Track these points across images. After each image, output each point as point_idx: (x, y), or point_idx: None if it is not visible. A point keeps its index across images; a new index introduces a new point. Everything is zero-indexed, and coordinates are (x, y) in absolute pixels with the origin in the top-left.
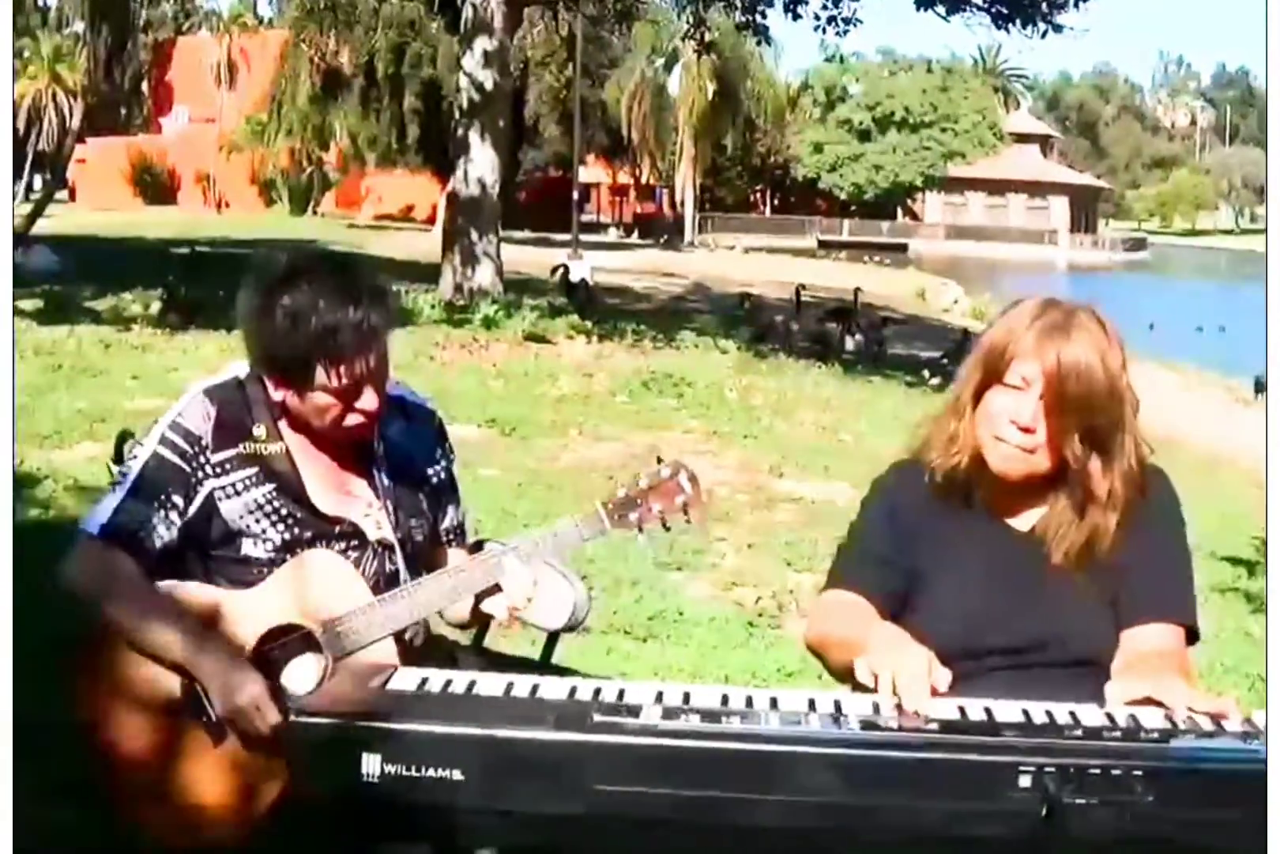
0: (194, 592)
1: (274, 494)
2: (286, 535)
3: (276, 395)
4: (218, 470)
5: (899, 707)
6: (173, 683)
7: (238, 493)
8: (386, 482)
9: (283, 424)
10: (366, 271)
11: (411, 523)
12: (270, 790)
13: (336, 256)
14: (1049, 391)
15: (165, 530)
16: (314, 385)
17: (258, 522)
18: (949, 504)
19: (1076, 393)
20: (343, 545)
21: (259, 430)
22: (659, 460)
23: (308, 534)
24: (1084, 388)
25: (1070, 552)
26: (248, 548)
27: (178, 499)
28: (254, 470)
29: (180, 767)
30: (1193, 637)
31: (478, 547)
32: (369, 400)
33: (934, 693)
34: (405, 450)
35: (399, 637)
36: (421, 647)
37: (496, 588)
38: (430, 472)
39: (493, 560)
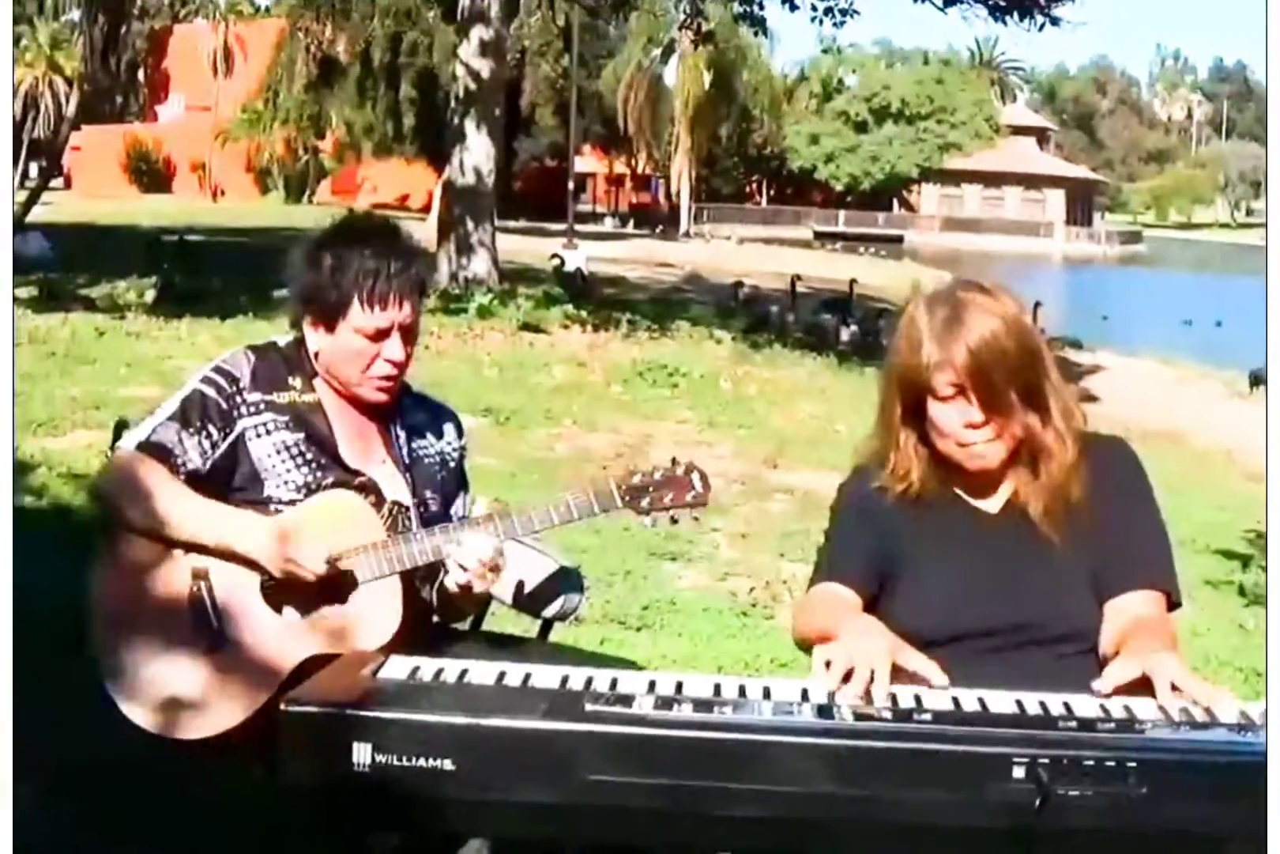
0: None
1: (303, 441)
2: (310, 478)
3: (313, 342)
4: (252, 409)
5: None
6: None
7: (268, 432)
8: (405, 457)
9: (317, 381)
10: (410, 237)
11: (427, 493)
12: (253, 702)
13: (384, 219)
14: (974, 381)
15: (198, 457)
16: (349, 324)
17: (284, 462)
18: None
19: (996, 366)
20: (361, 497)
21: (295, 382)
22: (674, 462)
23: (329, 480)
24: (999, 358)
25: (1042, 515)
26: (270, 489)
27: (213, 430)
28: (287, 417)
29: (179, 664)
30: (1173, 603)
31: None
32: (396, 349)
33: (921, 683)
34: (425, 434)
35: (406, 589)
36: (418, 628)
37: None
38: (447, 457)
39: (473, 529)
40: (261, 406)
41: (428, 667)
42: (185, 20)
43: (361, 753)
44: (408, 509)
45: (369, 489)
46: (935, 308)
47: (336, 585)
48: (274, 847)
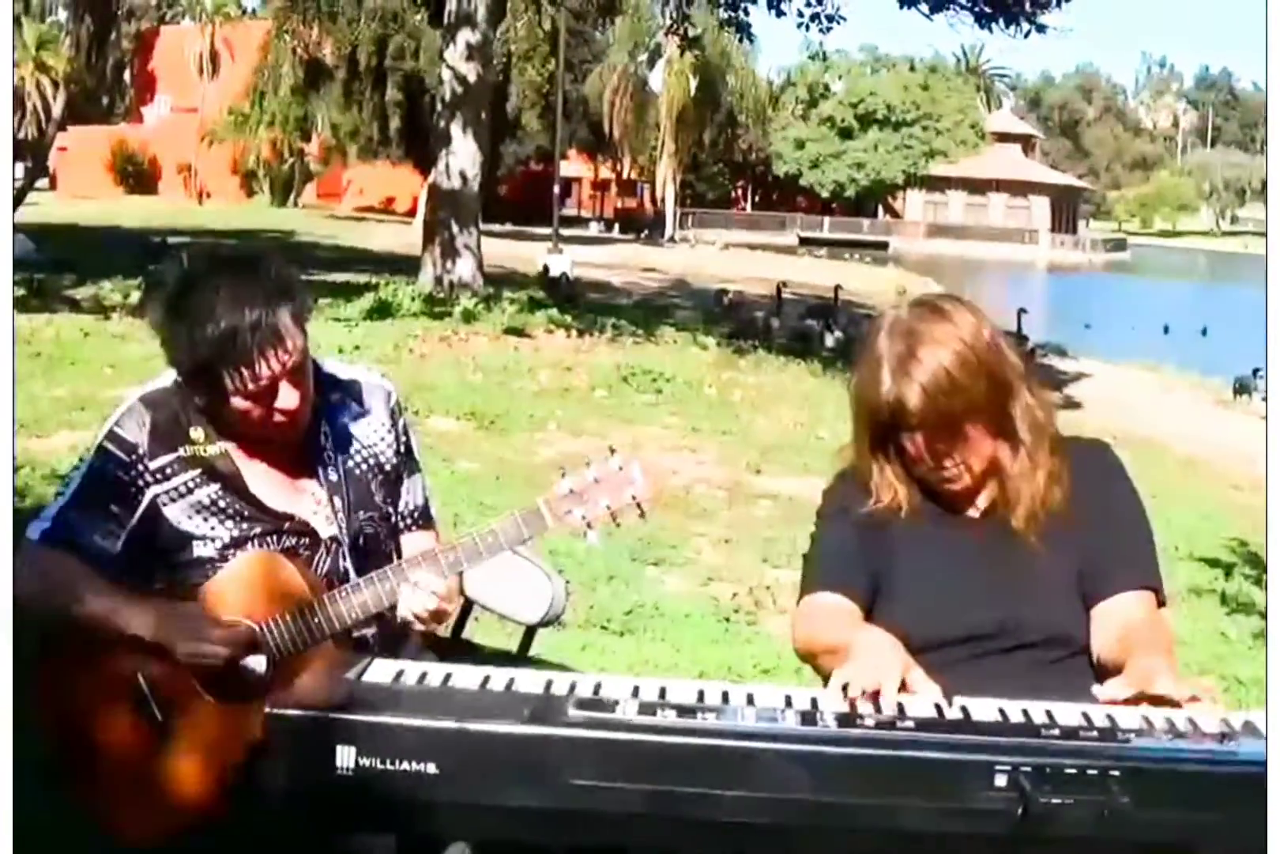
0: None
1: (220, 493)
2: (235, 532)
3: (198, 398)
4: (158, 476)
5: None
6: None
7: (181, 495)
8: (334, 476)
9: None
10: (268, 266)
11: (361, 515)
12: (213, 781)
13: (236, 253)
14: (930, 420)
15: (107, 541)
16: (228, 391)
17: (205, 520)
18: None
19: (952, 402)
20: (293, 541)
21: (196, 433)
22: (611, 451)
23: (257, 530)
24: (955, 393)
25: (1023, 521)
26: (199, 549)
27: (116, 509)
28: (196, 472)
29: (133, 757)
30: (1160, 603)
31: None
32: (288, 399)
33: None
34: (354, 436)
35: (346, 637)
36: (397, 638)
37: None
38: (384, 458)
39: (399, 574)
40: (168, 471)
41: (411, 670)
42: (172, 22)
43: (345, 756)
44: (344, 544)
45: (300, 532)
46: (893, 339)
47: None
48: (257, 851)
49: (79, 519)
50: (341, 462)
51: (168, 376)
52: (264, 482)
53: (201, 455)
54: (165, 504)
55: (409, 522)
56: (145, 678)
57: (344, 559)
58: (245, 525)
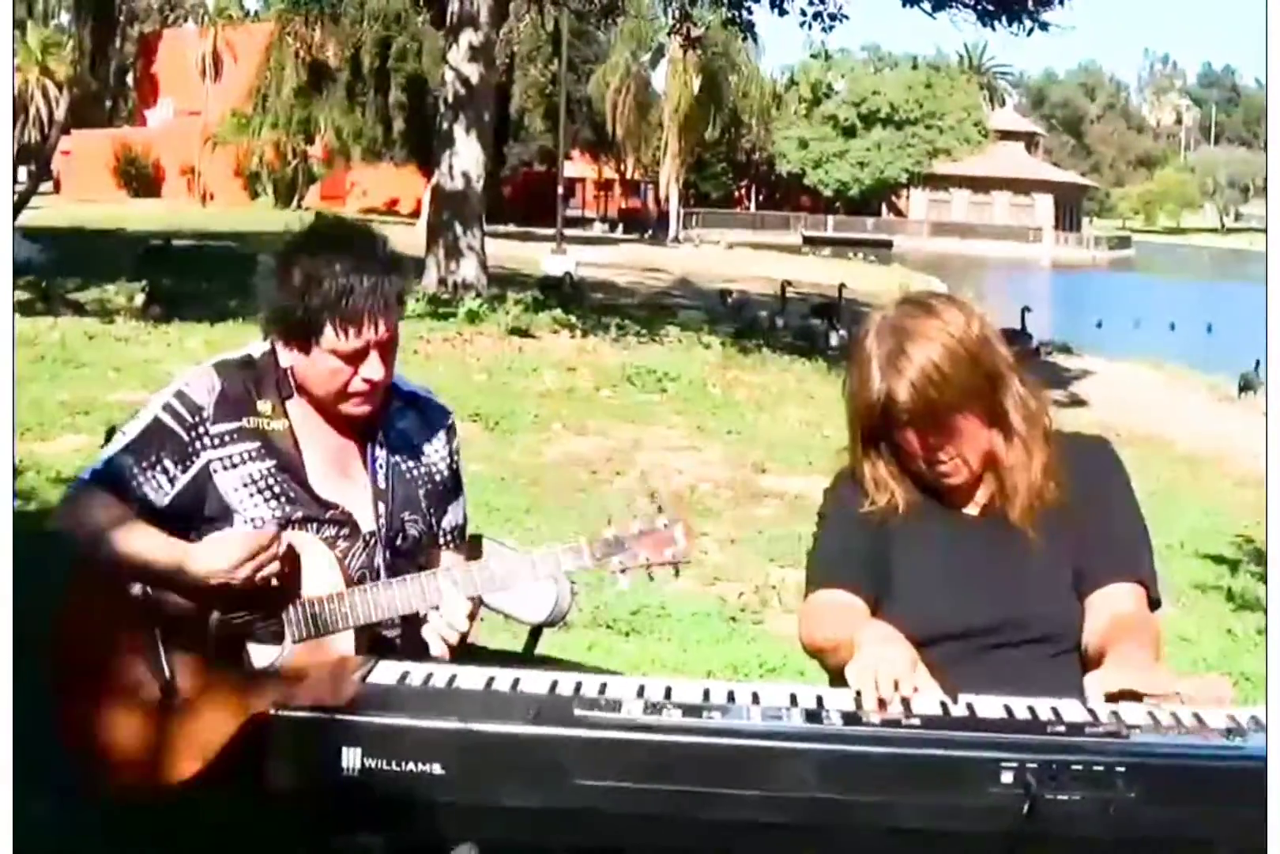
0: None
1: (272, 471)
2: (278, 513)
3: (285, 359)
4: (216, 441)
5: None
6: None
7: (235, 465)
8: (386, 474)
9: (290, 403)
10: (386, 244)
11: (405, 515)
12: (205, 748)
13: (358, 226)
14: (921, 415)
15: (153, 492)
16: (323, 346)
17: (251, 497)
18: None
19: (942, 397)
20: (333, 532)
21: (264, 406)
22: (659, 509)
23: (299, 515)
24: (945, 388)
25: (1020, 517)
26: (239, 523)
27: (170, 464)
28: (255, 445)
29: (133, 708)
30: (1153, 601)
31: (475, 542)
32: (374, 368)
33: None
34: (412, 444)
35: (366, 632)
36: (402, 640)
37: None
38: (435, 470)
39: (434, 583)
40: (226, 438)
41: (417, 671)
42: (174, 25)
43: (351, 757)
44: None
45: (342, 522)
46: (883, 337)
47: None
48: (263, 852)
49: (132, 466)
50: (395, 463)
51: (243, 350)
52: (318, 467)
53: (264, 429)
54: (217, 471)
55: (447, 539)
56: (162, 632)
57: (380, 556)
58: (289, 507)
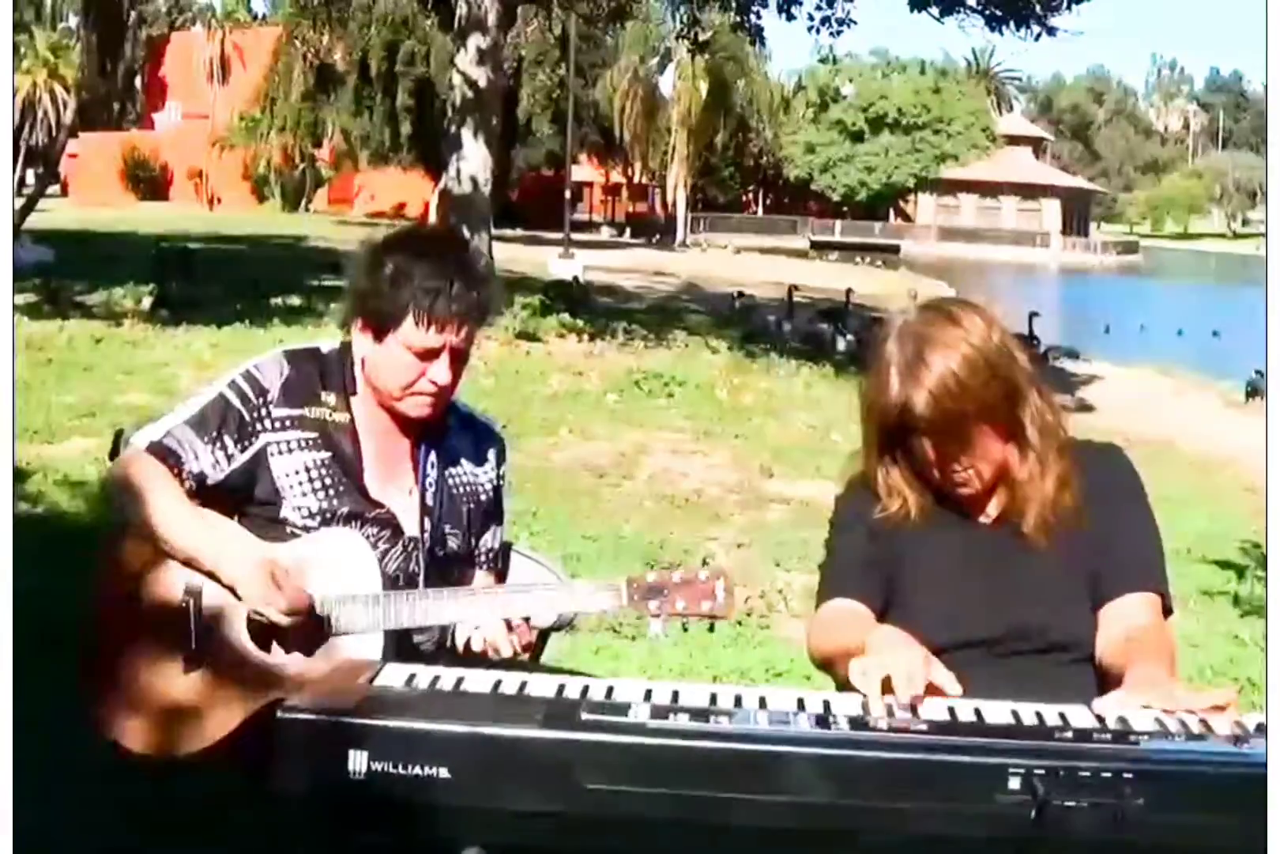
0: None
1: (327, 462)
2: (325, 505)
3: (360, 346)
4: (277, 425)
5: (889, 708)
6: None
7: (290, 451)
8: (434, 484)
9: (354, 399)
10: (480, 257)
11: (447, 528)
12: (226, 723)
13: (456, 237)
14: (938, 424)
15: (210, 467)
16: (399, 338)
17: (300, 485)
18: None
19: (960, 407)
20: (375, 531)
21: (329, 397)
22: (704, 563)
23: (345, 510)
24: (963, 397)
25: (1034, 526)
26: (285, 510)
27: (229, 441)
28: (314, 434)
29: (156, 680)
30: (1166, 607)
31: (504, 551)
32: (442, 371)
33: (936, 693)
34: (464, 460)
35: (398, 639)
36: (433, 647)
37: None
38: (481, 489)
39: (473, 599)
40: (288, 423)
41: (424, 674)
42: (182, 28)
43: (357, 760)
44: (420, 547)
45: (385, 523)
46: (903, 343)
47: (313, 632)
48: None
49: (192, 438)
50: (446, 475)
51: (317, 343)
52: (372, 466)
53: (325, 419)
54: (274, 455)
55: (483, 560)
56: (196, 605)
57: (416, 563)
58: (336, 501)
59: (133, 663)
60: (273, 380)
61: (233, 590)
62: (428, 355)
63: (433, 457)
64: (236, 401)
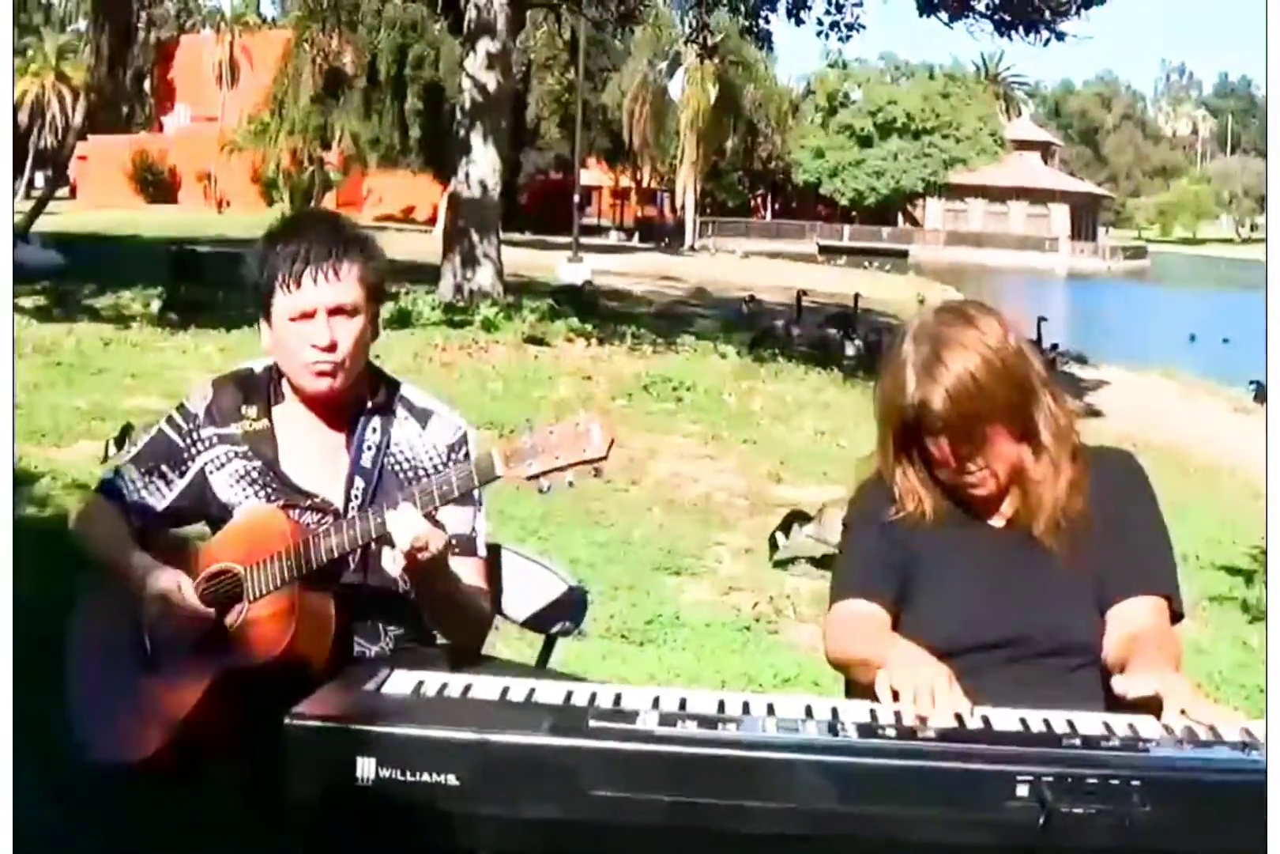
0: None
1: (259, 467)
2: (265, 503)
3: (265, 340)
4: (207, 444)
5: (921, 720)
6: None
7: (223, 464)
8: (370, 469)
9: (277, 408)
10: (350, 225)
11: (385, 503)
12: (178, 710)
13: (321, 212)
14: (955, 424)
15: (152, 498)
16: (279, 314)
17: (242, 491)
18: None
19: (976, 408)
20: (316, 518)
21: (249, 410)
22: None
23: (280, 503)
24: (979, 398)
25: (1045, 530)
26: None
27: (166, 470)
28: (241, 446)
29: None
30: (1175, 613)
31: (494, 552)
32: (320, 333)
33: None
34: (403, 447)
35: (318, 584)
36: (415, 652)
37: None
38: (423, 471)
39: (377, 516)
40: (215, 440)
41: (431, 681)
42: (191, 31)
43: (365, 768)
44: None
45: (322, 509)
46: (919, 343)
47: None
48: None
49: (134, 474)
50: (381, 453)
51: (247, 364)
52: (301, 459)
53: (248, 430)
54: (211, 472)
55: (454, 547)
56: (146, 617)
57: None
58: (273, 497)
59: (104, 674)
60: (200, 405)
61: (152, 602)
62: (304, 319)
63: (368, 436)
64: (171, 432)
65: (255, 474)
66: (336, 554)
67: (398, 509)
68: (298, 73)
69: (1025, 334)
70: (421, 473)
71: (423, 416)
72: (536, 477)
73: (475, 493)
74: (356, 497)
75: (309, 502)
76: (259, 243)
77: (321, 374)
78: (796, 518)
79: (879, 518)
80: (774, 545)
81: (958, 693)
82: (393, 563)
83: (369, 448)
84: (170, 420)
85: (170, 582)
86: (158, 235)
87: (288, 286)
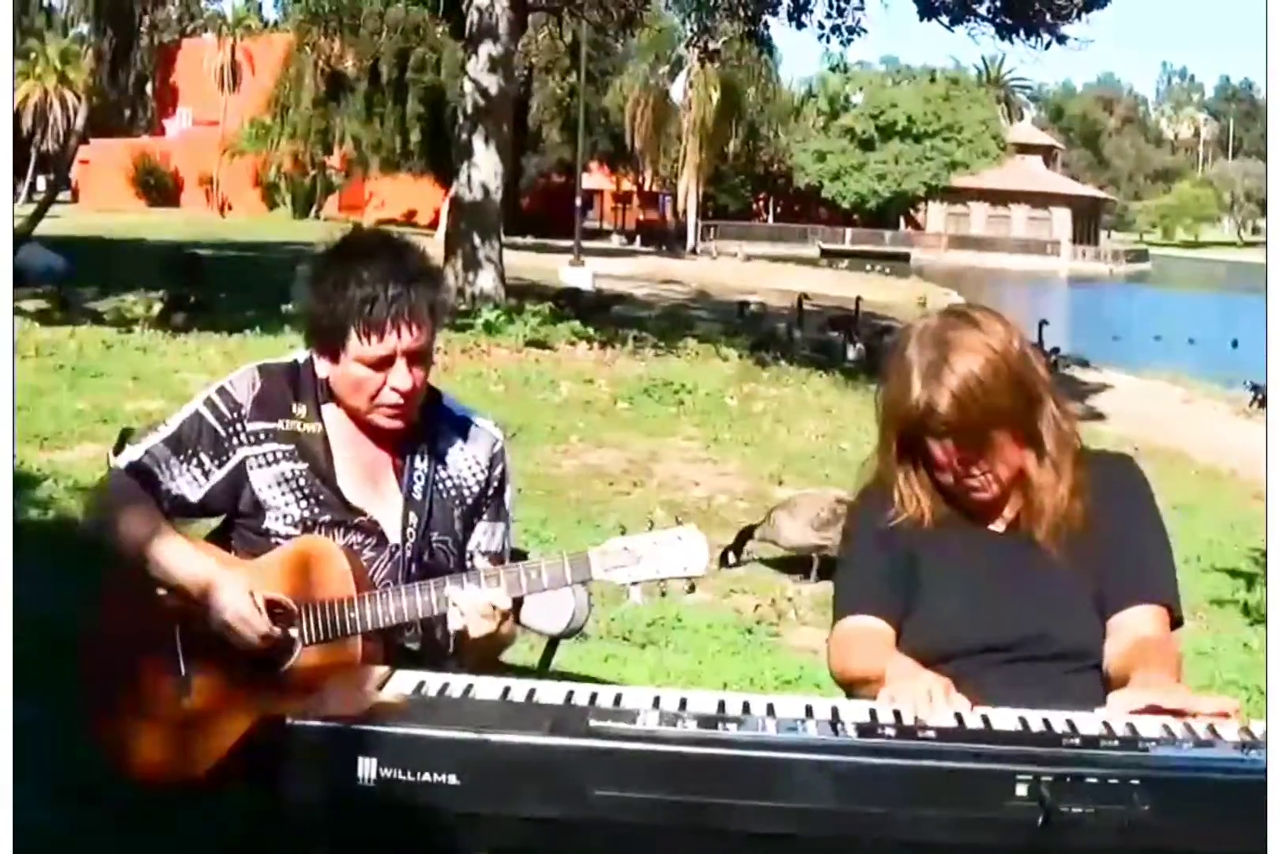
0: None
1: (304, 472)
2: (307, 514)
3: (320, 367)
4: (253, 439)
5: (898, 716)
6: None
7: (269, 463)
8: (419, 491)
9: (327, 408)
10: (419, 254)
11: (435, 535)
12: (215, 749)
13: (389, 236)
14: (960, 427)
15: (187, 485)
16: (350, 354)
17: (284, 495)
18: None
19: (981, 410)
20: (360, 538)
21: (300, 409)
22: (678, 522)
23: (327, 517)
24: (984, 401)
25: (1045, 535)
26: (269, 521)
27: (205, 458)
28: (289, 446)
29: (149, 708)
30: (1175, 619)
31: (519, 557)
32: (402, 378)
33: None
34: (449, 464)
35: (383, 640)
36: (418, 651)
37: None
38: (468, 490)
39: (443, 590)
40: (262, 436)
41: (433, 682)
42: (193, 35)
43: (367, 768)
44: (405, 554)
45: (368, 530)
46: (924, 346)
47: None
48: None
49: (169, 458)
50: (431, 482)
51: (289, 356)
52: (350, 472)
53: (298, 431)
54: (253, 468)
55: (480, 562)
56: (181, 629)
57: (404, 569)
58: (318, 509)
59: (130, 701)
60: (246, 394)
61: (220, 617)
62: (381, 364)
63: (418, 463)
64: (211, 418)
65: (302, 480)
66: (395, 622)
67: (474, 590)
68: (299, 76)
69: (1027, 338)
70: (466, 493)
71: (462, 427)
72: (633, 584)
73: (508, 508)
74: (412, 534)
75: (357, 519)
76: (313, 264)
77: (395, 415)
78: (749, 535)
79: (879, 526)
80: (724, 562)
81: (956, 701)
82: (451, 627)
83: (419, 477)
84: (211, 404)
85: (248, 605)
86: (159, 239)
87: (365, 335)
